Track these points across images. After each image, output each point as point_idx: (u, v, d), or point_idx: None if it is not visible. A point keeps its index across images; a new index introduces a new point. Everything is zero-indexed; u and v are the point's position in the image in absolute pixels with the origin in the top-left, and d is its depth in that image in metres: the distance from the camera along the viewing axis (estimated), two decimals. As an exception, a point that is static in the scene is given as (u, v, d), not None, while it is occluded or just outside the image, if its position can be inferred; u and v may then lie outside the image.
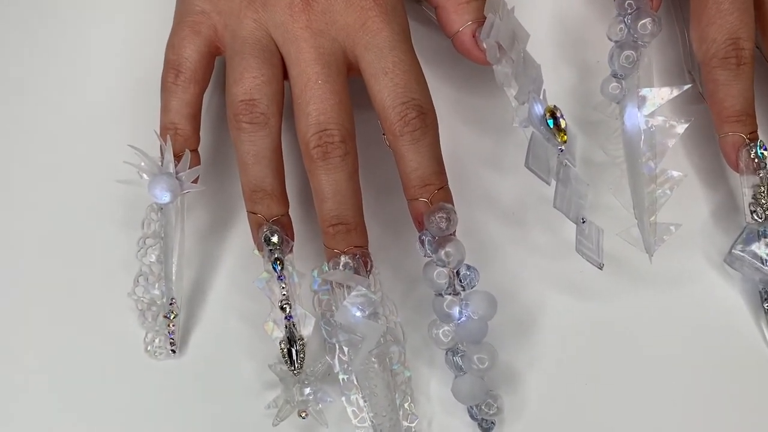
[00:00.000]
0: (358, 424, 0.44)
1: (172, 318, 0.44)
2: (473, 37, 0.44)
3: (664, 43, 0.50)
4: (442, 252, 0.42)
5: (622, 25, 0.44)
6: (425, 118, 0.42)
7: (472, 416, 0.44)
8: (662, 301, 0.46)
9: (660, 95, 0.42)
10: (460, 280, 0.42)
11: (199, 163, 0.45)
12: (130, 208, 0.47)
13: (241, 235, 0.47)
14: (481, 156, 0.49)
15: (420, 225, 0.43)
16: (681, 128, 0.43)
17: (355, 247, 0.42)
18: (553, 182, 0.42)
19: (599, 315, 0.46)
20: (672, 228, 0.43)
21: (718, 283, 0.47)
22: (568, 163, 0.43)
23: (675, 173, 0.43)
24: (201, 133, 0.47)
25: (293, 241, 0.43)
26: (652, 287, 0.47)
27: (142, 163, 0.43)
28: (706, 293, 0.47)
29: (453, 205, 0.43)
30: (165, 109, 0.44)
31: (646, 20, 0.43)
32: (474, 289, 0.43)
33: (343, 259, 0.42)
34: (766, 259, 0.44)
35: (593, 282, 0.47)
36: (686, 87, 0.44)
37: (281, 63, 0.43)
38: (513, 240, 0.47)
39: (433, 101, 0.45)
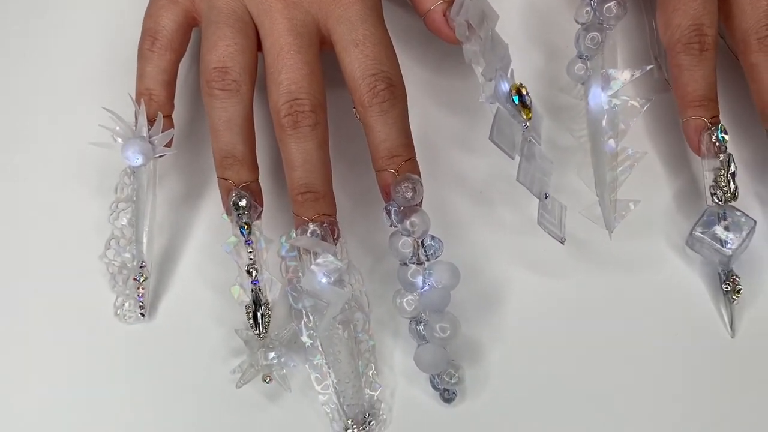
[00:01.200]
0: (321, 390, 0.44)
1: (141, 281, 0.45)
2: (444, 15, 0.45)
3: (632, 31, 0.52)
4: (408, 222, 0.43)
5: (589, 8, 0.45)
6: (394, 90, 0.43)
7: (434, 386, 0.45)
8: (623, 282, 0.47)
9: (623, 76, 0.44)
10: (425, 250, 0.44)
11: (173, 129, 0.46)
12: (106, 175, 0.48)
13: (213, 205, 0.48)
14: (451, 136, 0.50)
15: (387, 195, 0.44)
16: (642, 107, 0.44)
17: (323, 215, 0.43)
18: (517, 157, 0.43)
19: (562, 292, 0.47)
20: (631, 205, 0.44)
21: (678, 265, 0.48)
22: (533, 141, 0.44)
23: (635, 151, 0.44)
24: (178, 105, 0.48)
25: (262, 207, 0.44)
26: (614, 267, 0.48)
27: (117, 128, 0.44)
28: (666, 275, 0.48)
29: (420, 177, 0.44)
30: (140, 75, 0.45)
31: (611, 3, 0.44)
32: (438, 259, 0.44)
33: (310, 226, 0.43)
34: (725, 241, 0.45)
35: (557, 260, 0.48)
36: (648, 67, 0.45)
37: (255, 34, 0.45)
38: (480, 217, 0.49)
39: (405, 82, 0.46)
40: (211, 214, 0.48)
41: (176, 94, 0.47)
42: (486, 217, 0.48)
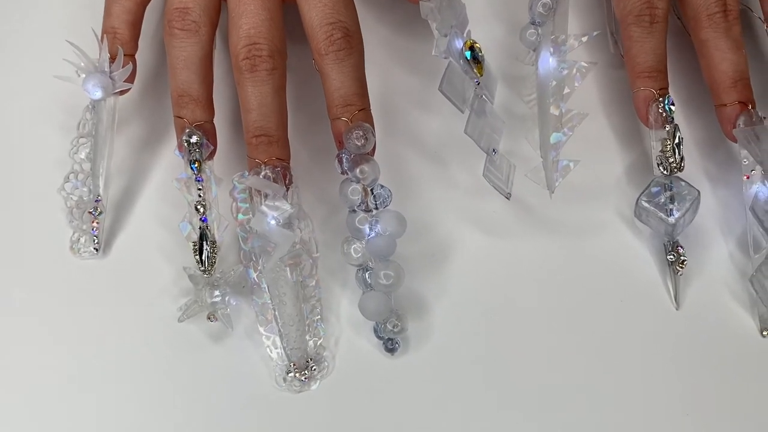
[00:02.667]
0: (265, 332, 0.45)
1: (96, 215, 0.46)
2: (406, -26, 0.47)
3: (591, 7, 0.53)
4: (358, 169, 0.44)
5: (543, -25, 0.47)
6: (351, 40, 0.44)
7: (377, 335, 0.46)
8: (571, 248, 0.48)
9: (571, 41, 0.45)
10: (374, 199, 0.45)
11: (134, 68, 0.47)
12: (71, 114, 0.49)
13: (173, 148, 0.49)
14: (410, 95, 0.51)
15: (340, 144, 0.45)
16: (587, 71, 0.45)
17: (276, 159, 0.45)
18: (467, 111, 0.45)
19: (509, 255, 0.48)
20: (571, 165, 0.45)
21: (626, 235, 0.49)
22: (485, 98, 0.46)
23: (578, 112, 0.46)
24: (147, 51, 0.50)
25: (214, 147, 0.45)
26: (562, 234, 0.49)
27: (82, 63, 0.46)
28: (614, 244, 0.49)
29: (373, 127, 0.45)
30: (107, 14, 0.46)
31: (564, -29, 0.46)
32: (386, 208, 0.45)
33: (263, 169, 0.44)
34: (670, 210, 0.46)
35: (506, 223, 0.49)
36: (595, 33, 0.46)
37: None
38: (433, 176, 0.50)
39: (368, 41, 0.48)
40: (170, 157, 0.49)
41: (147, 41, 0.48)
42: (439, 176, 0.50)
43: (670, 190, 0.47)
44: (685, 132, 0.51)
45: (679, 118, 0.51)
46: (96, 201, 0.46)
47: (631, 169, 0.50)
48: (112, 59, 0.45)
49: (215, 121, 0.46)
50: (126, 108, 0.50)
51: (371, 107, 0.47)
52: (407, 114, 0.51)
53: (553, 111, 0.44)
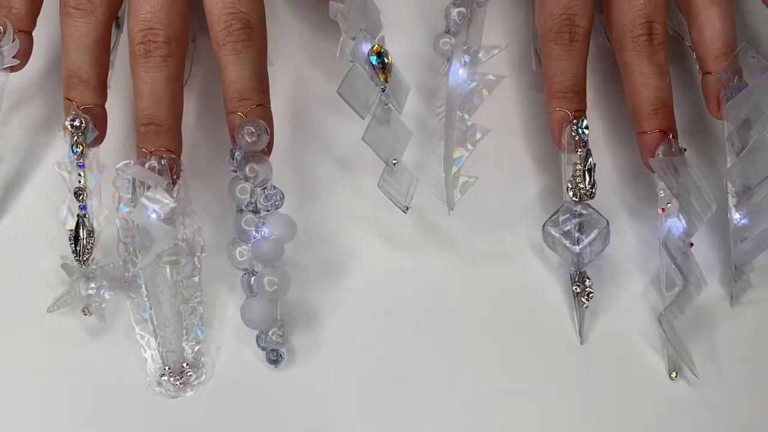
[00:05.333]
0: (140, 331, 0.43)
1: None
2: (319, -29, 0.45)
3: (520, 24, 0.51)
4: (248, 167, 0.42)
5: (461, -19, 0.45)
6: (251, 32, 0.42)
7: (260, 345, 0.43)
8: (475, 271, 0.46)
9: (483, 53, 0.43)
10: (264, 200, 0.43)
11: (28, 44, 0.45)
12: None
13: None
14: (323, 98, 0.49)
15: (234, 139, 0.43)
16: (495, 85, 0.43)
17: (165, 150, 0.43)
18: (369, 117, 0.43)
19: (409, 271, 0.46)
20: (471, 180, 0.43)
21: (534, 261, 0.46)
22: (392, 107, 0.44)
23: (482, 127, 0.43)
24: (55, 32, 0.48)
25: (101, 132, 0.43)
26: (468, 256, 0.46)
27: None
28: (521, 270, 0.46)
29: (271, 124, 0.43)
30: None
31: (482, -20, 0.44)
32: (276, 210, 0.43)
33: (149, 159, 0.42)
34: (577, 239, 0.44)
35: (411, 238, 0.47)
36: (505, 45, 0.44)
37: None
38: (339, 183, 0.48)
39: (285, 40, 0.46)
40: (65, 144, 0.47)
41: (55, 19, 0.47)
42: (345, 183, 0.47)
43: (579, 217, 0.44)
44: (608, 159, 0.49)
45: (602, 144, 0.49)
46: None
47: (546, 192, 0.48)
48: (3, 33, 0.43)
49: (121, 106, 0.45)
50: (29, 87, 0.48)
51: (281, 105, 0.46)
52: (319, 116, 0.49)
53: (459, 125, 0.42)
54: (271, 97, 0.47)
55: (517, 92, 0.50)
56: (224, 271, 0.45)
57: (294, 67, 0.49)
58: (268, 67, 0.45)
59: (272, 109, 0.46)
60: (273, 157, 0.45)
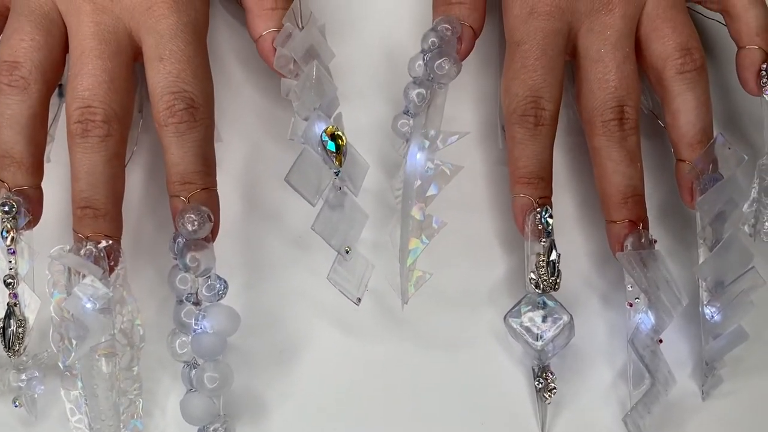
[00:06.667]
0: (75, 424, 0.41)
1: None
2: (272, 44, 0.43)
3: (486, 97, 0.48)
4: (189, 256, 0.40)
5: (421, 62, 0.42)
6: (195, 112, 0.40)
7: (201, 440, 0.42)
8: (434, 359, 0.44)
9: (443, 138, 0.40)
10: (206, 290, 0.40)
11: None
12: None
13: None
14: (280, 173, 0.44)
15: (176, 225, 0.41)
16: (453, 175, 0.41)
17: (102, 235, 0.40)
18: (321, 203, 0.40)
19: (365, 359, 0.44)
20: (427, 276, 0.41)
21: (496, 351, 0.44)
22: (347, 189, 0.41)
23: (438, 221, 0.41)
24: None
25: (36, 216, 0.41)
26: (426, 342, 0.44)
27: None
28: (481, 360, 0.44)
29: (217, 209, 0.41)
30: None
31: (443, 60, 0.41)
32: (218, 302, 0.41)
33: (86, 245, 0.40)
34: (537, 334, 0.42)
35: (367, 323, 0.44)
36: (466, 132, 0.42)
37: (63, 33, 0.41)
38: (295, 263, 0.45)
39: (244, 110, 0.44)
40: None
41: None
42: (299, 263, 0.45)
43: (542, 308, 0.42)
44: (578, 240, 0.47)
45: (572, 224, 0.46)
46: None
47: (511, 274, 0.45)
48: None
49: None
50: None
51: (233, 179, 0.44)
52: (273, 191, 0.46)
53: (415, 214, 0.40)
54: (224, 168, 0.45)
55: (485, 166, 0.47)
56: (167, 356, 0.42)
57: (248, 139, 0.46)
58: (219, 144, 0.43)
59: (224, 182, 0.44)
60: (223, 233, 0.43)
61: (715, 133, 0.43)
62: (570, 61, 0.45)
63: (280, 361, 0.43)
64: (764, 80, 0.43)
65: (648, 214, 0.45)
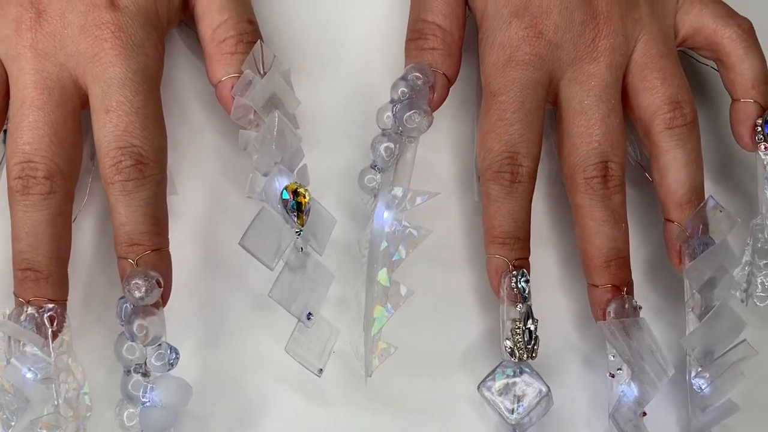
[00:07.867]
0: (16, 502, 0.38)
1: None
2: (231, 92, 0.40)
3: (463, 147, 0.45)
4: (136, 324, 0.37)
5: (390, 113, 0.39)
6: (144, 168, 0.37)
7: None
8: (403, 428, 0.41)
9: (411, 198, 0.38)
10: (155, 360, 0.38)
11: None
12: None
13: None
14: (242, 224, 0.41)
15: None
16: (423, 238, 0.38)
17: (46, 299, 0.37)
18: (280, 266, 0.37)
19: (329, 427, 0.41)
20: (392, 350, 0.38)
21: (471, 418, 0.41)
22: (311, 249, 0.38)
23: (404, 289, 0.38)
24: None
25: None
26: (395, 411, 0.41)
27: None
28: (455, 428, 0.41)
29: (168, 271, 0.38)
30: None
31: (413, 112, 0.38)
32: (168, 372, 0.38)
33: (26, 310, 0.37)
34: (510, 408, 0.39)
35: (332, 388, 0.41)
36: (436, 193, 0.39)
37: (4, 81, 0.39)
38: (254, 322, 0.42)
39: (209, 156, 0.41)
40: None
41: None
42: (261, 322, 0.42)
43: (518, 376, 0.39)
44: (560, 299, 0.44)
45: (554, 283, 0.43)
46: None
47: (488, 335, 0.42)
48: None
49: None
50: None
51: (192, 230, 0.41)
52: (234, 244, 0.40)
53: (381, 280, 0.37)
54: (181, 218, 0.42)
55: (461, 215, 0.44)
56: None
57: (208, 186, 0.43)
58: (174, 197, 0.41)
59: (181, 232, 0.41)
60: (178, 289, 0.40)
61: (706, 192, 0.40)
62: (552, 108, 0.43)
63: (238, 428, 0.41)
64: (759, 136, 0.40)
65: (634, 269, 0.42)
